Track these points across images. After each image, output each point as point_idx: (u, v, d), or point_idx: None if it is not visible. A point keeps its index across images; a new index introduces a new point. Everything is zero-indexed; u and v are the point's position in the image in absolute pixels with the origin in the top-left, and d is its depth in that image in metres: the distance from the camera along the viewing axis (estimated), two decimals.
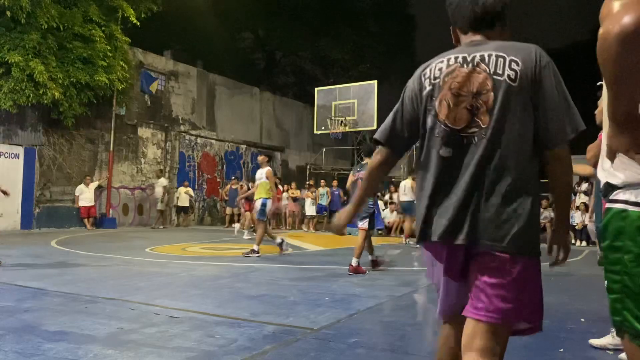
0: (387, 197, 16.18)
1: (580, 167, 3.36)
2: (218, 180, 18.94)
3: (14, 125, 12.86)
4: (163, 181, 15.70)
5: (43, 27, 11.98)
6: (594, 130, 2.23)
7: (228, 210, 17.18)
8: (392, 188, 17.88)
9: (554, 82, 1.52)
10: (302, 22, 26.51)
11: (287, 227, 16.18)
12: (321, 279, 5.82)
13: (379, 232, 14.10)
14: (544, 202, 13.09)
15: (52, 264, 6.68)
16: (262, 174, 8.25)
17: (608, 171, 1.36)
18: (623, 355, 2.92)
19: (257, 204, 8.20)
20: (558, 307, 4.52)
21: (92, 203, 14.05)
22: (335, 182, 17.30)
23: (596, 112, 2.88)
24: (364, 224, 6.43)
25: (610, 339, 3.07)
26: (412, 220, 12.30)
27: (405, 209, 12.05)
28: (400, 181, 19.82)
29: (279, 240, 8.32)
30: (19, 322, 3.54)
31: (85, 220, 13.93)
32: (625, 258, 1.28)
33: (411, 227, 12.45)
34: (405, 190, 11.98)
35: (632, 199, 1.28)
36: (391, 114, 1.81)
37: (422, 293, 5.23)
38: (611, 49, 1.16)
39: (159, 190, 15.47)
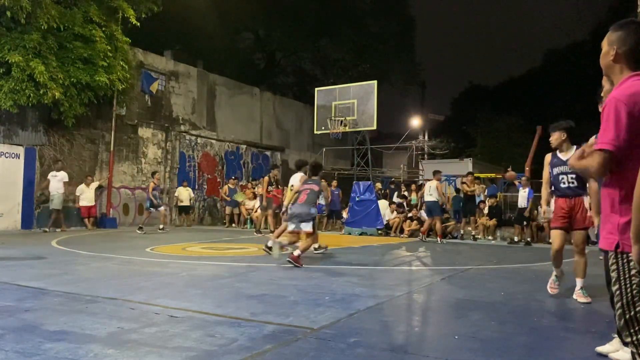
0: (394, 197, 16.17)
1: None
2: (218, 180, 18.96)
3: (14, 125, 12.87)
4: (64, 175, 12.96)
5: (43, 27, 11.98)
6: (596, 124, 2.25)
7: (228, 210, 17.21)
8: (403, 187, 17.89)
9: None
10: (302, 22, 26.50)
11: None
12: (321, 279, 5.82)
13: (379, 231, 14.13)
14: None
15: (53, 263, 6.69)
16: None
17: None
18: (615, 354, 2.92)
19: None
20: (558, 307, 4.53)
21: (92, 203, 14.07)
22: (335, 182, 17.30)
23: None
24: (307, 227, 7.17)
25: (617, 345, 3.01)
26: (441, 220, 12.23)
27: (432, 209, 11.91)
28: (399, 181, 19.90)
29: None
30: (20, 321, 3.55)
31: (86, 220, 13.95)
32: None
33: (442, 227, 12.37)
34: (431, 190, 11.85)
35: None
36: None
37: (421, 293, 5.24)
38: None
39: (56, 186, 12.69)
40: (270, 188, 12.59)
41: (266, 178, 12.95)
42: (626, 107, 1.92)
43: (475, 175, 14.39)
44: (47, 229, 12.40)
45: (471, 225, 12.70)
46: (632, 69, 2.08)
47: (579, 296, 4.71)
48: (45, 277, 5.45)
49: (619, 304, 1.93)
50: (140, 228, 12.80)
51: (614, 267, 1.96)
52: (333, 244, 10.53)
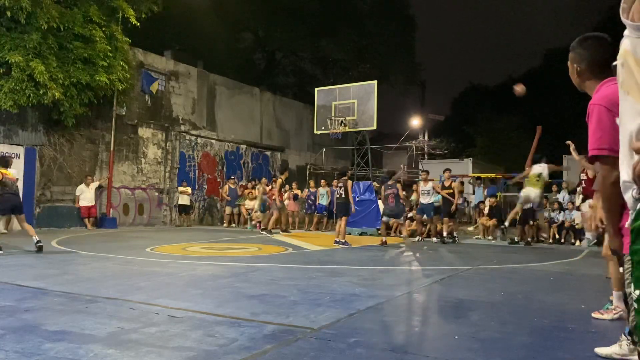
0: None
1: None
2: (218, 180, 18.95)
3: (14, 125, 12.87)
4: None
5: (43, 27, 11.97)
6: None
7: (228, 210, 17.20)
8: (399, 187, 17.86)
9: None
10: (302, 22, 26.50)
11: (291, 227, 16.16)
12: (321, 279, 5.82)
13: (379, 231, 14.11)
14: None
15: (53, 263, 6.69)
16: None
17: None
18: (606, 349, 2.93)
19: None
20: (558, 307, 4.53)
21: (92, 203, 14.07)
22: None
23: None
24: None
25: (617, 349, 3.02)
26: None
27: (424, 210, 12.35)
28: (399, 181, 19.87)
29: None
30: (20, 321, 3.55)
31: (86, 220, 13.95)
32: None
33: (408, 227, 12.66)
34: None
35: None
36: None
37: (421, 293, 5.24)
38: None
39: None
40: (282, 190, 12.74)
41: (279, 180, 13.21)
42: (606, 109, 1.96)
43: (470, 174, 14.35)
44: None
45: (446, 226, 12.10)
46: (599, 80, 2.14)
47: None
48: (45, 277, 5.45)
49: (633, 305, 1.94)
50: (265, 229, 13.28)
51: (628, 268, 1.97)
52: (333, 244, 10.53)
